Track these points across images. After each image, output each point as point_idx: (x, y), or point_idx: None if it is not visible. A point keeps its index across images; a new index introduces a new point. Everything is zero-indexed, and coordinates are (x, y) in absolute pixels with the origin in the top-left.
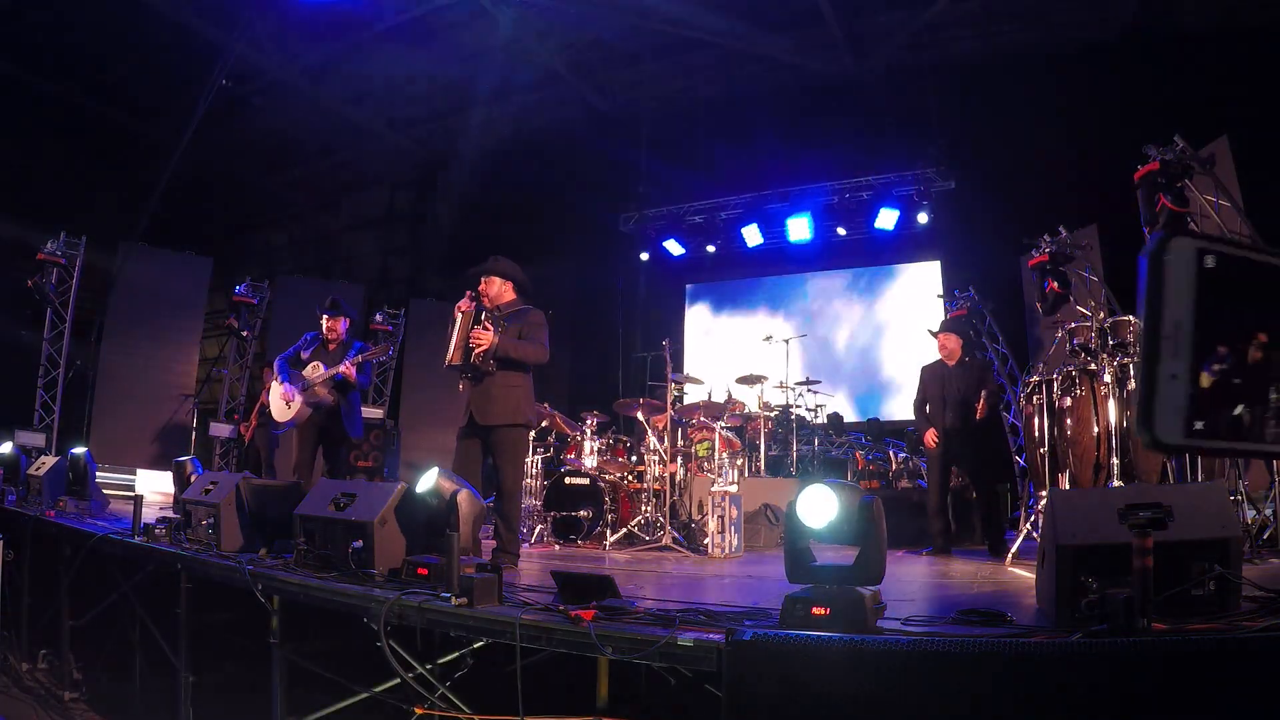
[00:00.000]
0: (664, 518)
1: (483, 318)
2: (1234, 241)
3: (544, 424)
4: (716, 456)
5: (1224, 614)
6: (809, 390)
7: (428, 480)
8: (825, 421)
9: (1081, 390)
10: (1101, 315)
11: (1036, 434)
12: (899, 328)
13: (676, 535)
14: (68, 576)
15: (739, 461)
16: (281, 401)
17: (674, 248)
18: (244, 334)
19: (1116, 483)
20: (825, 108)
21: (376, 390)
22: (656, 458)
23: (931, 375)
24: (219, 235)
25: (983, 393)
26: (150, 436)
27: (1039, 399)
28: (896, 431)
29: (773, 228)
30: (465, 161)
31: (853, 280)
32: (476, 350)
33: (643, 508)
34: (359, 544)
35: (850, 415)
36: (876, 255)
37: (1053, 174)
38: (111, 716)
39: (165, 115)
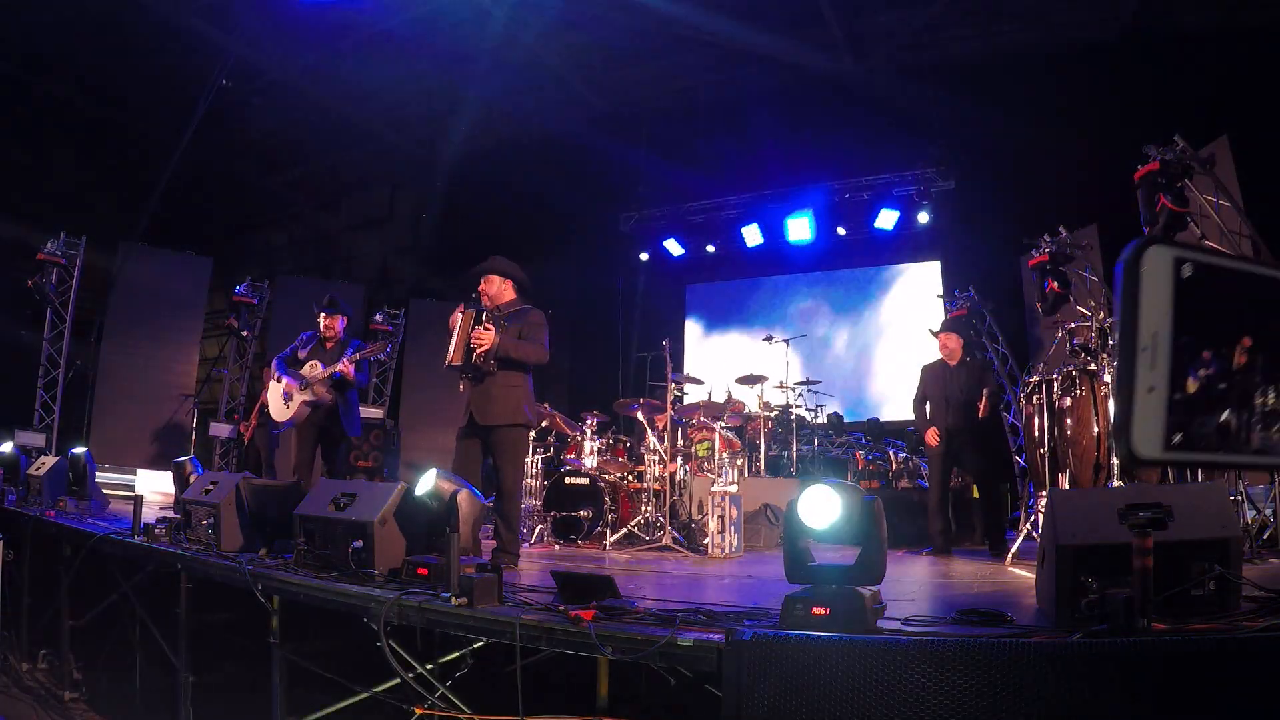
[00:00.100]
0: (664, 518)
1: (484, 318)
2: (1211, 250)
3: (544, 424)
4: (716, 456)
5: (1224, 614)
6: (809, 390)
7: (426, 483)
8: (825, 421)
9: (1081, 390)
10: (1101, 315)
11: (1036, 434)
12: (899, 328)
13: (676, 535)
14: (68, 576)
15: (739, 461)
16: (280, 401)
17: (674, 248)
18: (244, 334)
19: (1116, 483)
20: (825, 108)
21: (376, 390)
22: (656, 458)
23: (932, 375)
24: (219, 235)
25: (985, 392)
26: (150, 436)
27: (1039, 399)
28: (896, 431)
29: (772, 228)
30: (465, 161)
31: (853, 280)
32: (478, 350)
33: (643, 508)
34: (359, 544)
35: (850, 415)
36: (876, 255)
37: (1053, 174)
38: (111, 716)
39: (165, 115)
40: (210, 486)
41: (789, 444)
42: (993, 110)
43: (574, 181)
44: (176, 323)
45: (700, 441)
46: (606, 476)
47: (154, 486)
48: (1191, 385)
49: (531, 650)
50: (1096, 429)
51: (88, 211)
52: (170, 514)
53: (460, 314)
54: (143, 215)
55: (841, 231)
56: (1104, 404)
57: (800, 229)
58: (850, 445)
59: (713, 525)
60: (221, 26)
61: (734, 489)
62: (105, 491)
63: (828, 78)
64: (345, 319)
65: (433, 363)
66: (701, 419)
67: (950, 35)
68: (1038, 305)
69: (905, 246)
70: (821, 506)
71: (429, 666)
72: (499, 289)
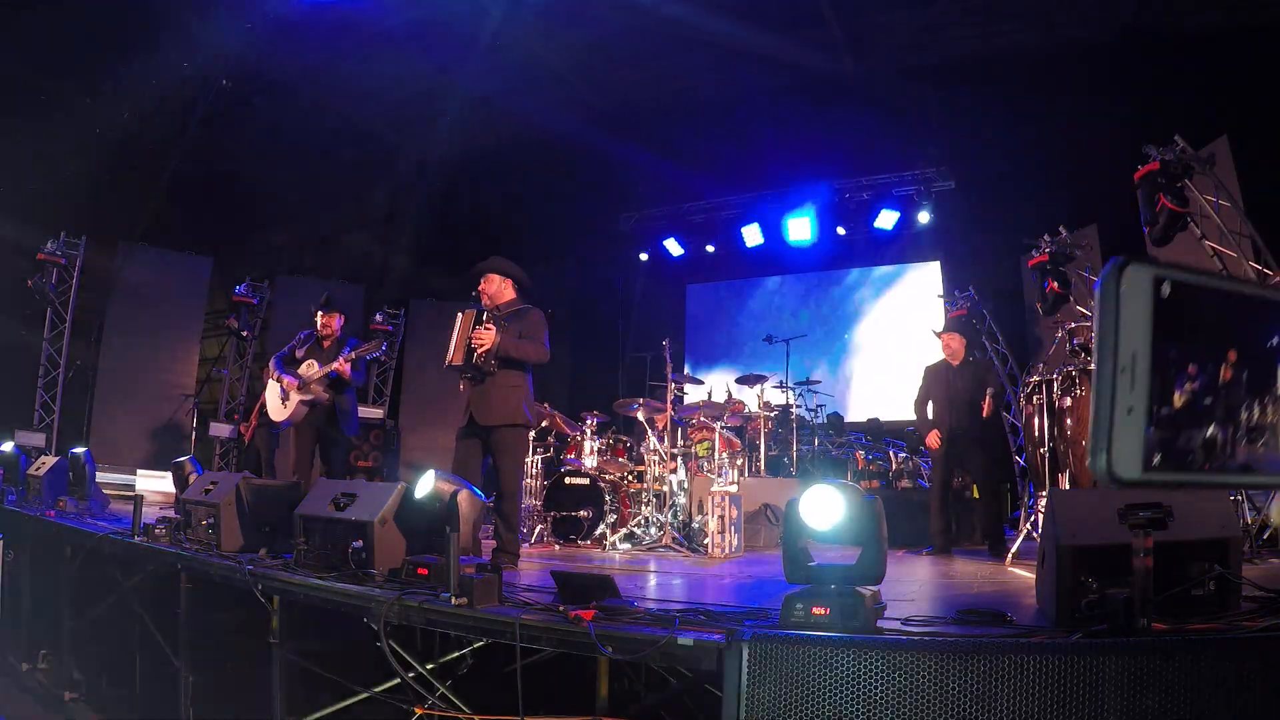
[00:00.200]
0: (664, 518)
1: (484, 318)
2: (1190, 268)
3: (544, 424)
4: (716, 456)
5: (1224, 614)
6: (809, 390)
7: (425, 484)
8: (825, 421)
9: (1081, 390)
10: None
11: (1036, 434)
12: (899, 328)
13: (676, 535)
14: (68, 576)
15: (739, 461)
16: (277, 400)
17: (673, 247)
18: (244, 334)
19: None
20: (825, 108)
21: (376, 390)
22: (656, 458)
23: (935, 375)
24: (219, 235)
25: (989, 393)
26: (150, 436)
27: (1039, 399)
28: (896, 431)
29: (772, 228)
30: (465, 161)
31: (853, 280)
32: (479, 350)
33: (643, 508)
34: (359, 544)
35: (850, 415)
36: (876, 255)
37: (1053, 174)
38: (111, 716)
39: (165, 115)
40: (210, 486)
41: (789, 444)
42: (993, 110)
43: (574, 181)
44: (176, 323)
45: (700, 441)
46: (606, 476)
47: (154, 486)
48: (1178, 399)
49: (531, 650)
50: None
51: (88, 211)
52: (170, 514)
53: (461, 314)
54: (143, 215)
55: (841, 231)
56: None
57: (800, 229)
58: (850, 445)
59: (713, 525)
60: (222, 27)
61: (734, 489)
62: (105, 491)
63: (827, 78)
64: (343, 317)
65: (433, 363)
66: (701, 419)
67: (950, 35)
68: (1038, 305)
69: (905, 246)
70: (822, 506)
71: (429, 666)
72: (499, 288)
